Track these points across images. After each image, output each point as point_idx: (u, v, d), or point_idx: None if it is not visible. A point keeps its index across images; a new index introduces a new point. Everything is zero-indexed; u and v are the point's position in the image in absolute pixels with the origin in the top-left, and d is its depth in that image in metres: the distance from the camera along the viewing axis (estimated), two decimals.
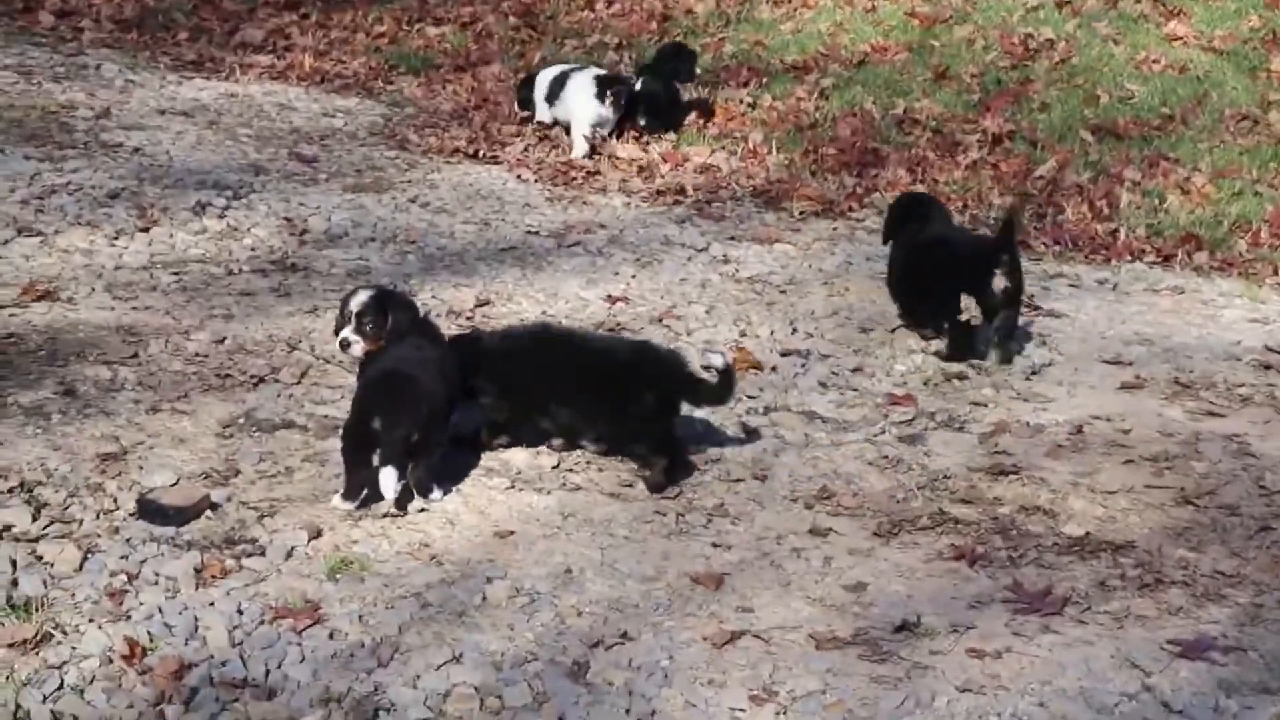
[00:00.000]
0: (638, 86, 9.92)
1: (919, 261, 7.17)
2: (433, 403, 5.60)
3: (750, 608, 5.12)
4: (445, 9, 12.32)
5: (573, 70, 9.88)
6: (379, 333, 5.77)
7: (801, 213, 8.94)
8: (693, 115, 10.24)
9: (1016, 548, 5.51)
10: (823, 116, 10.35)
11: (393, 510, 5.54)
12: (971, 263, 6.97)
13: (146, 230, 7.82)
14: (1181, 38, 11.76)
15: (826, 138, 9.98)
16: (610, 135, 9.72)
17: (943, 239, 7.21)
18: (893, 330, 7.33)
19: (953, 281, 7.02)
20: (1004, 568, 5.38)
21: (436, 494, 5.65)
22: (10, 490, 5.44)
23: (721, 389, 5.94)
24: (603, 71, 9.91)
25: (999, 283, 6.89)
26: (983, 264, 6.89)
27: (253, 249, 7.79)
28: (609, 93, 9.54)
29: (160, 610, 4.90)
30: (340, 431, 5.63)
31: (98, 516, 5.37)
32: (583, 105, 9.60)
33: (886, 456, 6.17)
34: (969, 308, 7.01)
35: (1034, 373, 6.98)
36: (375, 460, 5.49)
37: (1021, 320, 7.37)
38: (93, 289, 7.14)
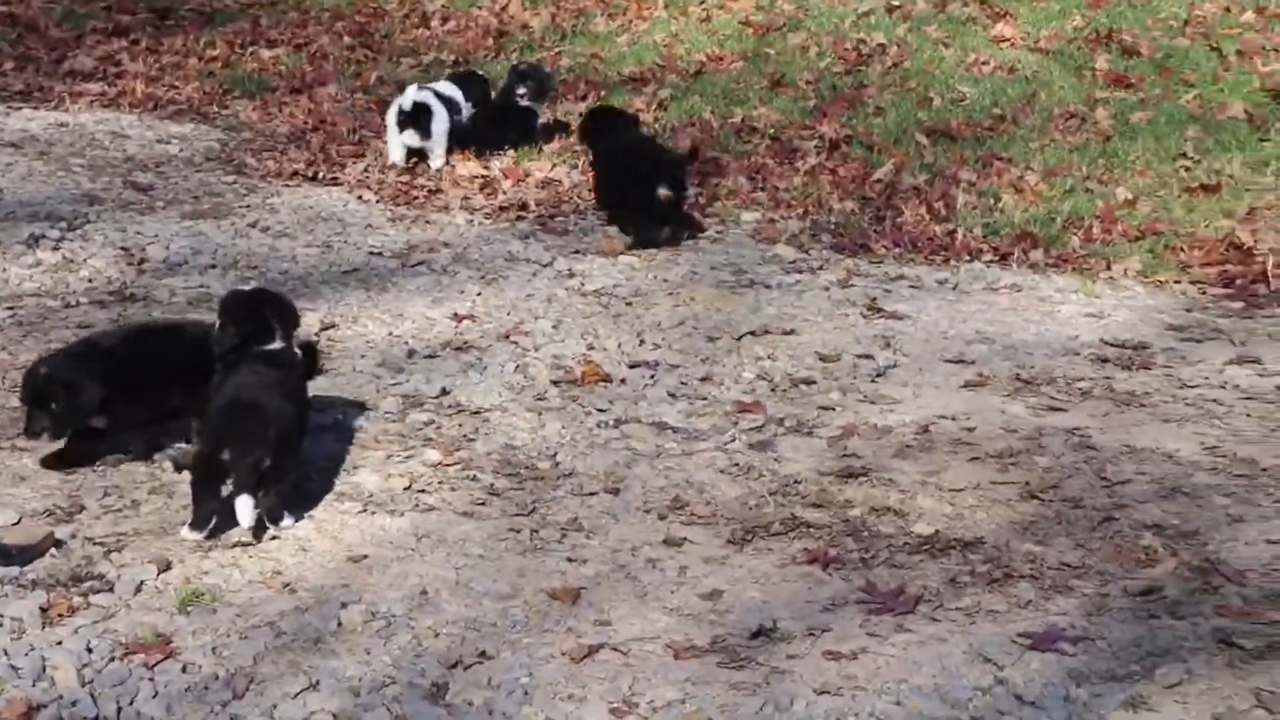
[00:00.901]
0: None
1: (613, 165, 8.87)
2: (282, 427, 5.55)
3: (608, 621, 5.13)
4: (279, 31, 12.22)
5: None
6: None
7: None
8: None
9: (868, 549, 5.57)
10: (662, 127, 10.40)
11: (244, 539, 5.48)
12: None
13: None
14: (1009, 39, 11.97)
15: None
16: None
17: (630, 148, 8.94)
18: (739, 338, 7.38)
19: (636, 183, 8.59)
20: (857, 569, 5.44)
21: (288, 521, 5.59)
22: None
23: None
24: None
25: (663, 192, 8.45)
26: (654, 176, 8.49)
27: (90, 280, 7.67)
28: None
29: (5, 652, 4.81)
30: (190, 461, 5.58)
31: None
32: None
33: (738, 464, 6.21)
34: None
35: (879, 375, 7.06)
36: (226, 489, 5.44)
37: (864, 322, 7.51)
38: None
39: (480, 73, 10.55)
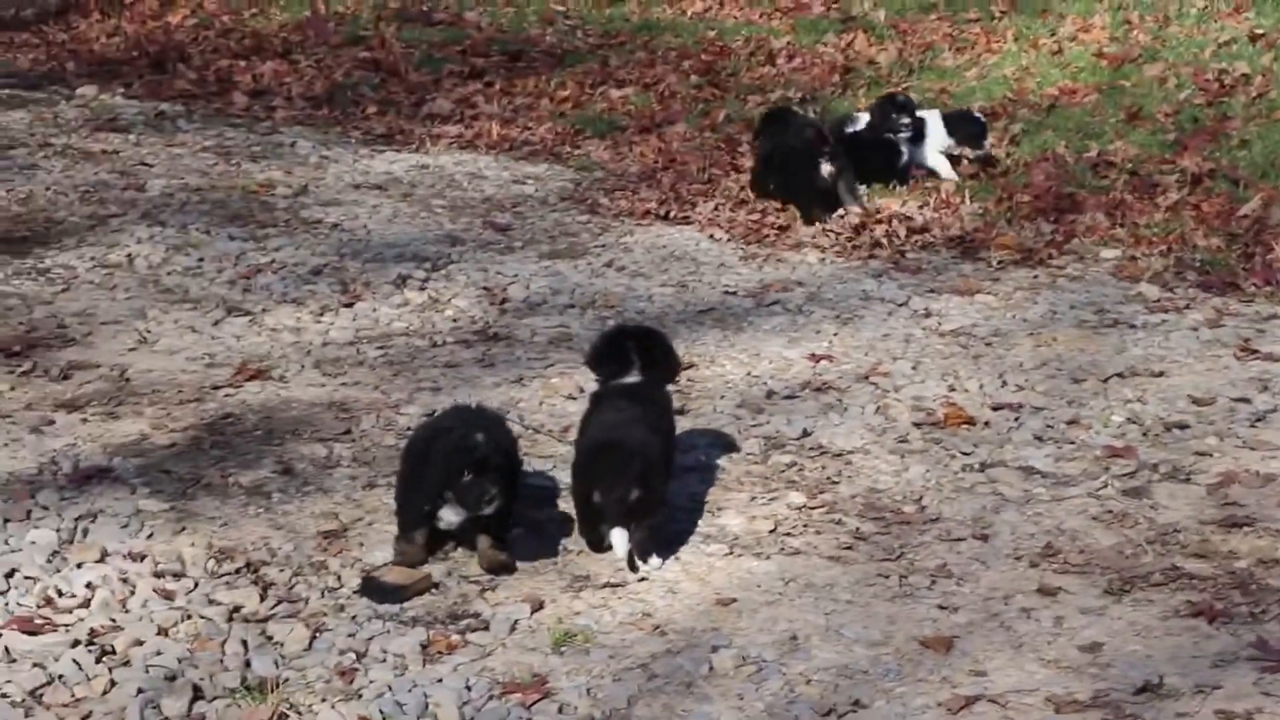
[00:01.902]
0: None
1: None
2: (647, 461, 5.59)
3: (983, 671, 5.01)
4: (627, 70, 12.38)
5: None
6: None
7: (1000, 262, 8.79)
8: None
9: (1258, 603, 5.33)
10: (1014, 163, 10.20)
11: (613, 580, 5.53)
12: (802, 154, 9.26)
13: (350, 305, 7.93)
14: None
15: (1020, 184, 9.82)
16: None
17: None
18: (1105, 380, 7.17)
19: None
20: (1246, 624, 5.20)
21: (656, 561, 5.62)
22: (237, 570, 5.51)
23: None
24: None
25: (825, 168, 9.15)
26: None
27: (454, 320, 7.85)
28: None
29: (390, 688, 4.92)
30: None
31: (323, 595, 5.42)
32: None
33: (1111, 511, 6.01)
34: None
35: (1259, 420, 6.77)
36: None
37: (1238, 363, 7.27)
38: (302, 366, 7.24)
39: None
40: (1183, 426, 6.72)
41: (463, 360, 7.37)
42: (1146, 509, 6.02)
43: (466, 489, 5.41)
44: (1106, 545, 5.77)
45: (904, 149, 9.91)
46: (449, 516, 5.51)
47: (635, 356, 5.95)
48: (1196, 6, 13.10)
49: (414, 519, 5.57)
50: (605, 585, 5.52)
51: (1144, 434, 6.68)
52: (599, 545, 5.65)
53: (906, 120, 9.84)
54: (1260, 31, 12.32)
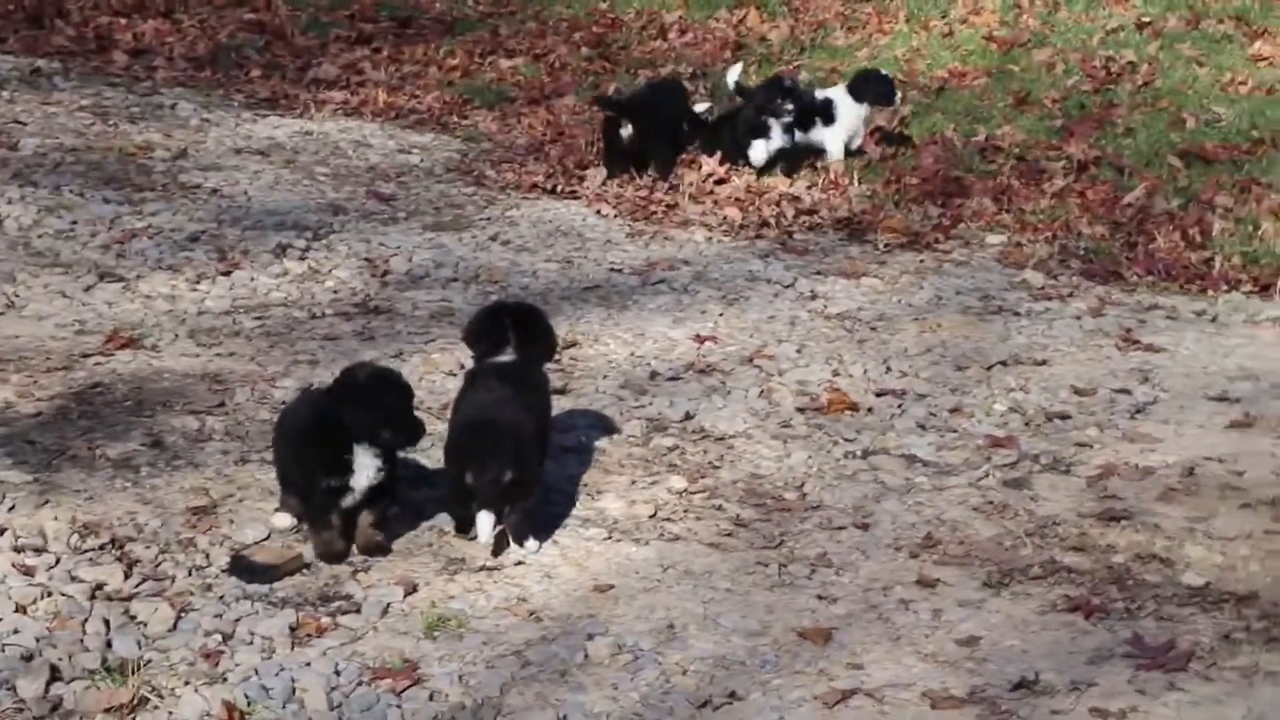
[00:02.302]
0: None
1: None
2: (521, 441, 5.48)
3: (860, 664, 4.96)
4: (517, 40, 12.23)
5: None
6: None
7: (887, 245, 8.77)
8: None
9: (1134, 599, 5.33)
10: (904, 144, 10.18)
11: (489, 564, 5.43)
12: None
13: (228, 274, 7.75)
14: (1268, 58, 11.56)
15: (908, 166, 9.81)
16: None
17: None
18: (988, 368, 7.16)
19: None
20: (1122, 620, 5.20)
21: (532, 544, 5.52)
22: (102, 547, 5.35)
23: None
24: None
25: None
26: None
27: (335, 291, 7.71)
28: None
29: (257, 672, 4.79)
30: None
31: (190, 573, 5.28)
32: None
33: (992, 502, 6.00)
34: None
35: (1138, 411, 6.79)
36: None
37: (1120, 354, 7.34)
38: (176, 335, 7.06)
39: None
40: (1064, 417, 6.72)
41: (342, 333, 7.23)
42: (1027, 500, 6.01)
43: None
44: (986, 537, 5.75)
45: (774, 133, 9.59)
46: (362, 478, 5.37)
47: (511, 334, 5.84)
48: None
49: (322, 502, 5.41)
50: (481, 569, 5.42)
51: (1026, 424, 6.67)
52: (468, 529, 5.53)
53: (790, 106, 9.57)
54: (1147, 20, 12.41)
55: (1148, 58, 11.64)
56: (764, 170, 9.57)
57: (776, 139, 9.58)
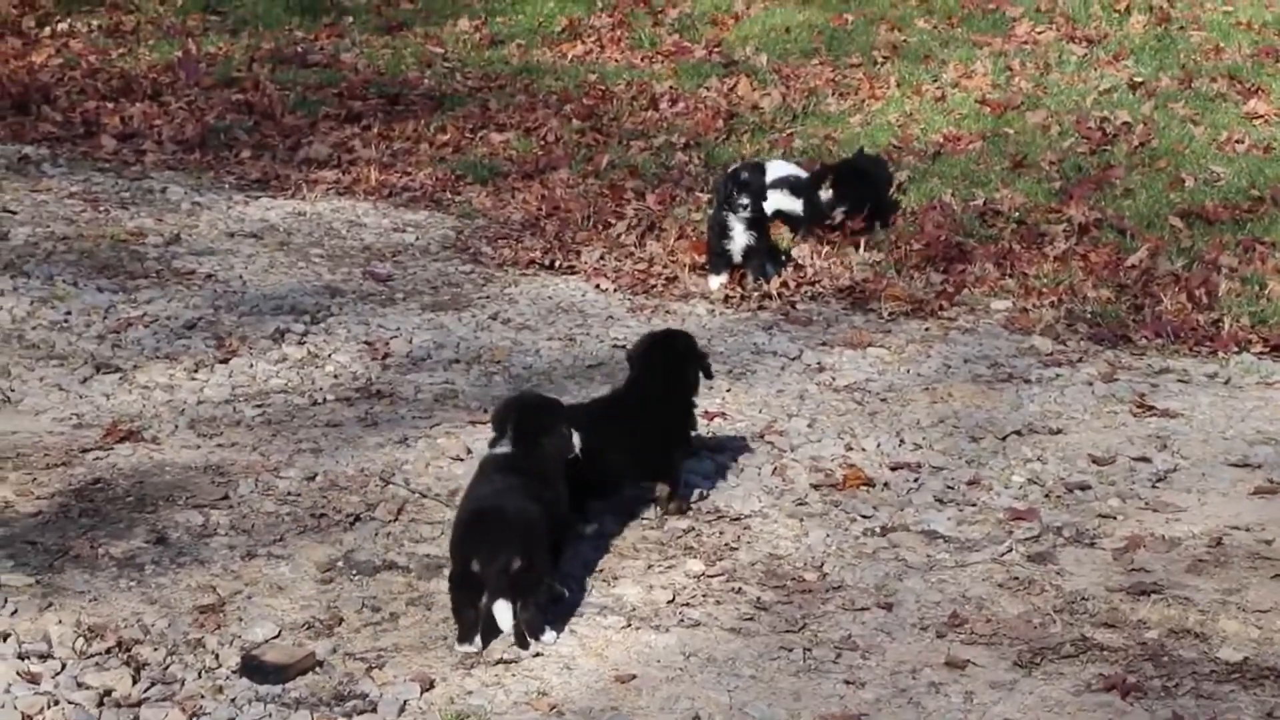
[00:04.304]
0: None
1: None
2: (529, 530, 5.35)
3: None
4: (507, 114, 12.13)
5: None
6: None
7: (891, 313, 8.67)
8: None
9: (1170, 676, 5.20)
10: (903, 210, 10.10)
11: (507, 656, 5.29)
12: None
13: (226, 361, 7.62)
14: (1262, 116, 11.50)
15: (910, 232, 9.72)
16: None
17: None
18: (1003, 438, 7.05)
19: None
20: (1160, 699, 5.07)
21: (550, 635, 5.39)
22: (108, 650, 5.21)
23: None
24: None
25: None
26: None
27: (335, 376, 7.58)
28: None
29: None
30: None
31: (200, 675, 5.13)
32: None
33: (1017, 578, 5.87)
34: None
35: (1160, 480, 6.67)
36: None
37: (1135, 420, 7.25)
38: (176, 426, 6.93)
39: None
40: (1084, 487, 6.60)
41: (345, 419, 7.10)
42: (1053, 575, 5.89)
43: None
44: (1014, 614, 5.62)
45: (736, 232, 8.81)
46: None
47: (510, 426, 5.73)
48: (1076, 54, 13.10)
49: None
50: (499, 662, 5.28)
51: (1046, 495, 6.56)
52: (471, 631, 5.35)
53: (745, 201, 8.78)
54: (1140, 80, 12.34)
55: (1143, 118, 11.57)
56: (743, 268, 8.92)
57: (740, 237, 8.84)
